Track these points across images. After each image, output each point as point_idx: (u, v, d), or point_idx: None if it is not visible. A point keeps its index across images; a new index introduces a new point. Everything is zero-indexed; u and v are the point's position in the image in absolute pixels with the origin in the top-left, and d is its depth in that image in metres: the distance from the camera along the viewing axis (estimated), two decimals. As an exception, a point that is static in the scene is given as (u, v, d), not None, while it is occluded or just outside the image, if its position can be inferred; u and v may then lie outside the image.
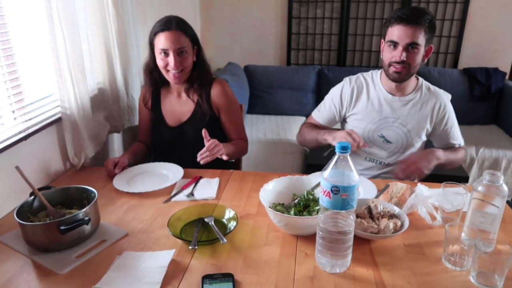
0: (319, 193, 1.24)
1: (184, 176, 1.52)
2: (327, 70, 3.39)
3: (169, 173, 1.55)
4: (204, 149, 1.45)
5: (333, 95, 1.74)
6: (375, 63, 3.61)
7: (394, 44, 1.48)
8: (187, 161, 1.62)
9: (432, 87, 1.65)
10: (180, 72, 1.59)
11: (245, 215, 1.27)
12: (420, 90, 1.62)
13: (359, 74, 1.72)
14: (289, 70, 3.47)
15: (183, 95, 1.71)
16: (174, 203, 1.35)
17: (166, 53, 1.56)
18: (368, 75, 1.69)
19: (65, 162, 1.62)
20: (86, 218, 1.08)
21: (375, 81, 1.66)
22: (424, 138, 1.66)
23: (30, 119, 1.45)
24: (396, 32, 1.47)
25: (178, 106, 1.72)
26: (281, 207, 1.19)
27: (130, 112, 1.97)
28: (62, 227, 1.04)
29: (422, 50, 1.49)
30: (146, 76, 1.73)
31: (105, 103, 1.83)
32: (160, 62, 1.59)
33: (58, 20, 1.41)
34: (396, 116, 1.62)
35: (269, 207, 1.18)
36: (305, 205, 1.20)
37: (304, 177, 1.31)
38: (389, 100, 1.62)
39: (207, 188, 1.44)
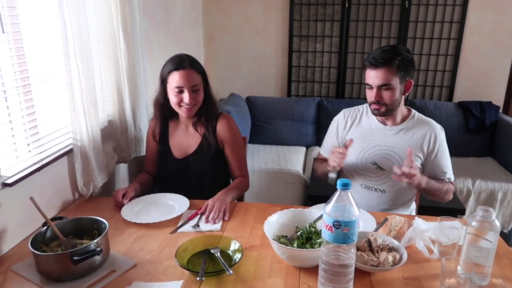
0: (321, 226, 1.30)
1: (190, 207, 1.57)
2: (327, 102, 3.50)
3: (175, 203, 1.61)
4: (207, 212, 1.50)
5: (331, 127, 1.88)
6: (373, 95, 3.72)
7: (370, 86, 1.62)
8: (192, 192, 1.68)
9: (425, 118, 1.74)
10: (193, 107, 1.68)
11: (250, 246, 1.31)
12: (412, 119, 1.71)
13: (355, 107, 1.84)
14: (289, 101, 3.57)
15: (191, 128, 1.78)
16: (180, 234, 1.40)
17: (181, 91, 1.65)
18: (362, 106, 1.81)
19: (74, 192, 1.67)
20: (98, 249, 1.13)
21: (368, 112, 1.77)
22: (418, 165, 1.71)
23: (43, 151, 1.51)
24: (369, 75, 1.61)
25: (186, 139, 1.80)
26: (284, 239, 1.24)
27: (137, 143, 2.04)
28: (75, 258, 1.08)
29: (397, 88, 1.60)
30: (156, 110, 1.81)
31: (114, 134, 1.90)
32: (173, 99, 1.67)
33: (74, 56, 1.50)
34: (388, 144, 1.70)
35: (273, 239, 1.23)
36: (307, 237, 1.25)
37: (306, 210, 1.37)
38: (381, 128, 1.72)
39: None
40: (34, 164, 1.45)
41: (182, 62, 1.65)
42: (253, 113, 3.54)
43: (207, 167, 1.77)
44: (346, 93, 3.76)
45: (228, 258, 1.23)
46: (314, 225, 1.29)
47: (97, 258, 1.15)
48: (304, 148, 3.50)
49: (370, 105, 1.65)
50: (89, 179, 1.66)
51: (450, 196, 1.72)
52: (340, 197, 0.99)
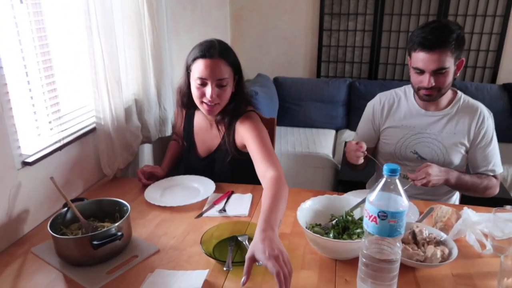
0: (358, 214, 1.19)
1: (216, 191, 1.48)
2: (358, 83, 3.32)
3: (200, 186, 1.52)
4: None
5: (366, 113, 1.71)
6: (407, 77, 3.48)
7: (420, 71, 1.42)
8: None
9: (473, 101, 1.55)
10: (216, 105, 1.45)
11: (280, 234, 1.21)
12: (458, 103, 1.53)
13: (392, 90, 1.67)
14: (319, 82, 3.42)
15: (214, 125, 1.61)
16: (205, 218, 1.32)
17: (204, 83, 1.42)
18: (401, 90, 1.65)
19: (97, 172, 1.61)
20: (119, 234, 1.06)
21: (408, 96, 1.60)
22: (463, 153, 1.55)
23: (65, 129, 1.45)
24: (420, 58, 1.40)
25: (209, 135, 1.65)
26: (318, 228, 1.14)
27: (162, 123, 1.96)
28: (95, 242, 1.02)
29: (451, 70, 1.41)
30: (179, 99, 1.64)
31: (138, 114, 1.83)
32: (195, 92, 1.45)
33: (97, 32, 1.42)
34: (430, 131, 1.54)
35: (306, 227, 1.12)
36: (344, 227, 1.14)
37: (343, 196, 1.26)
38: (422, 115, 1.55)
39: (240, 204, 1.40)
40: (56, 143, 1.39)
41: (210, 49, 1.40)
42: (281, 94, 3.41)
43: (227, 169, 1.62)
44: (379, 74, 3.56)
45: (257, 246, 1.14)
46: (351, 214, 1.18)
47: (118, 242, 1.08)
48: (333, 131, 3.36)
49: (417, 90, 1.48)
50: (113, 159, 1.60)
51: (494, 191, 1.53)
52: (387, 184, 0.87)
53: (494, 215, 1.13)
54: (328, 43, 3.56)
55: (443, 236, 1.12)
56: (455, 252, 1.05)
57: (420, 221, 1.22)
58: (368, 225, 0.89)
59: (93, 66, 1.45)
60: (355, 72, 3.61)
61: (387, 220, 0.86)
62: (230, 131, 1.55)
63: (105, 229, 1.07)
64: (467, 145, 1.53)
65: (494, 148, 1.53)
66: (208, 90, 1.42)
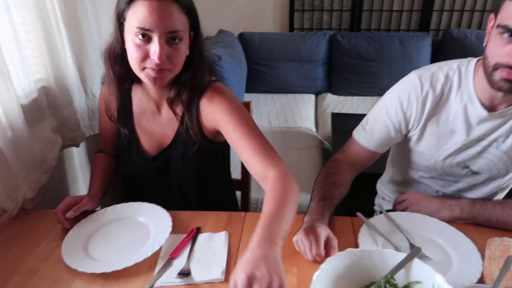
0: (403, 279, 0.75)
1: (173, 229, 0.99)
2: (341, 36, 2.80)
3: (150, 222, 1.02)
4: None
5: (391, 102, 1.08)
6: (396, 26, 3.01)
7: (510, 32, 0.85)
8: (172, 201, 1.10)
9: None
10: (165, 72, 0.97)
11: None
12: None
13: (437, 69, 1.04)
14: (293, 38, 2.87)
15: (164, 106, 1.11)
16: (159, 290, 0.83)
17: (145, 36, 0.93)
18: (454, 70, 1.02)
19: (-9, 208, 1.07)
20: None
21: (463, 85, 1.01)
22: None
23: None
24: None
25: (159, 123, 1.14)
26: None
27: (92, 115, 1.40)
28: None
29: None
30: (108, 69, 1.08)
31: (52, 108, 1.26)
32: (133, 51, 0.95)
33: None
34: (492, 138, 1.03)
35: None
36: (386, 311, 0.70)
37: (375, 250, 0.80)
38: (485, 118, 1.00)
39: (211, 256, 0.92)
40: None
41: None
42: (249, 54, 2.85)
43: (191, 168, 1.14)
44: (363, 23, 3.04)
45: None
46: (394, 282, 0.74)
47: None
48: (313, 96, 2.89)
49: (494, 70, 0.89)
50: (13, 187, 1.06)
51: None
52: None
53: None
54: (301, -12, 2.97)
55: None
56: None
57: (497, 283, 0.79)
58: None
59: None
60: (335, 23, 3.07)
61: None
62: (191, 112, 1.06)
63: None
64: None
65: None
66: (154, 47, 0.93)
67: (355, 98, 2.81)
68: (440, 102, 1.04)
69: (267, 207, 0.83)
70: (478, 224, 1.00)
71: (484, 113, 1.00)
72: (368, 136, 1.11)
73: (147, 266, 0.89)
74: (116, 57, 1.04)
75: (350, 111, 2.64)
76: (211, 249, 0.94)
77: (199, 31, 1.04)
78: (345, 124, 2.30)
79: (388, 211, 1.05)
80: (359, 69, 2.78)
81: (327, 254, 0.86)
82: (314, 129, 2.44)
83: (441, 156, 1.08)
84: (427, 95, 1.03)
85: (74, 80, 1.30)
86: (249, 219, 1.05)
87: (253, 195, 1.75)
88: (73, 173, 1.43)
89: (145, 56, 0.95)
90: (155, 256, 0.92)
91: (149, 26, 0.91)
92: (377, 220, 1.00)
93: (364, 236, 0.94)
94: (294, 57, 2.83)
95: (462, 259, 0.88)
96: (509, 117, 1.00)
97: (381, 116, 1.10)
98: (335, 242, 0.89)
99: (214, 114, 1.04)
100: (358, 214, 1.01)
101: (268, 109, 2.64)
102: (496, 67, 0.89)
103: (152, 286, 0.83)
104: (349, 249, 0.78)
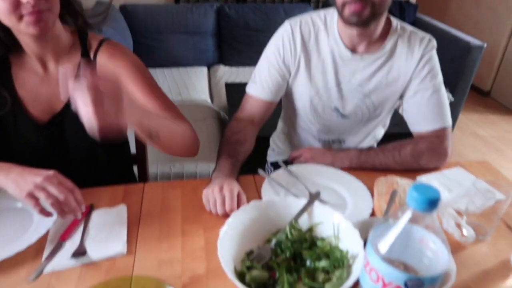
0: (307, 222, 0.78)
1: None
2: (228, 8, 2.78)
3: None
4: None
5: (270, 50, 1.16)
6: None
7: None
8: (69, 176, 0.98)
9: (412, 30, 1.11)
10: (44, 13, 0.84)
11: (189, 281, 0.73)
12: (394, 40, 1.09)
13: (306, 15, 1.14)
14: (180, 10, 2.76)
15: (51, 61, 0.97)
16: (51, 277, 0.74)
17: None
18: (319, 17, 1.13)
19: None
20: None
21: (329, 28, 1.11)
22: (393, 105, 1.21)
23: None
24: None
25: (47, 85, 0.99)
26: (258, 271, 0.68)
27: None
28: None
29: None
30: None
31: None
32: (1, 4, 0.81)
33: None
34: (357, 81, 1.12)
35: (235, 270, 0.67)
36: (293, 254, 0.72)
37: (278, 199, 0.81)
38: (348, 59, 1.10)
39: (109, 231, 0.84)
40: None
41: None
42: (134, 28, 2.67)
43: (87, 141, 1.03)
44: (249, -6, 3.06)
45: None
46: (298, 227, 0.76)
47: None
48: (205, 69, 2.84)
49: (342, 7, 0.98)
50: None
51: (434, 157, 1.08)
52: (413, 224, 0.45)
53: (476, 183, 0.84)
54: (183, -44, 2.86)
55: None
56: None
57: (386, 214, 0.87)
58: (380, 297, 0.47)
59: None
60: (221, -6, 3.04)
61: (423, 290, 0.45)
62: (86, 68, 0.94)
63: None
64: (406, 94, 1.13)
65: (440, 94, 1.10)
66: None
67: (247, 68, 2.84)
68: (309, 45, 1.13)
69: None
70: (366, 169, 1.09)
71: (347, 53, 1.10)
72: (259, 87, 1.15)
73: (33, 253, 0.78)
74: None
75: (244, 81, 2.65)
76: (107, 224, 0.86)
77: None
78: (239, 93, 2.28)
79: (284, 162, 1.10)
80: (248, 40, 2.80)
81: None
82: (209, 101, 2.41)
83: (315, 98, 1.17)
84: (296, 38, 1.12)
85: None
86: (149, 189, 0.99)
87: (152, 169, 1.68)
88: None
89: (17, 4, 0.81)
90: (42, 241, 0.81)
91: None
92: (278, 174, 1.03)
93: (267, 190, 0.95)
94: (182, 29, 2.73)
95: (356, 199, 0.95)
96: (370, 63, 1.11)
97: (265, 66, 1.16)
98: (244, 198, 0.89)
99: (115, 71, 0.97)
100: (260, 171, 1.03)
101: (160, 83, 2.50)
102: (344, 3, 0.97)
103: (41, 272, 0.74)
104: (254, 201, 0.79)
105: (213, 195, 0.88)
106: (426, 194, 0.44)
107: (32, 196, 0.76)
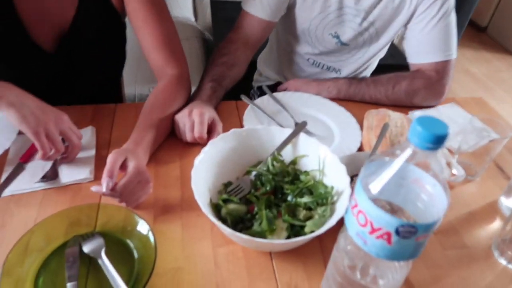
0: (290, 153, 0.73)
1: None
2: None
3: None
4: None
5: None
6: None
7: None
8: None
9: None
10: None
11: (160, 212, 0.69)
12: None
13: None
14: None
15: None
16: (9, 201, 0.68)
17: None
18: None
19: None
20: None
21: None
22: (396, 33, 1.10)
23: None
24: None
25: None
26: (235, 205, 0.64)
27: None
28: None
29: None
30: None
31: None
32: None
33: None
34: (360, 7, 1.02)
35: (210, 202, 0.63)
36: (274, 187, 0.67)
37: (261, 128, 0.74)
38: None
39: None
40: None
41: None
42: None
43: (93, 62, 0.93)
44: None
45: (126, 257, 0.60)
46: (281, 158, 0.70)
47: None
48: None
49: None
50: None
51: (430, 95, 1.01)
52: (410, 166, 0.40)
53: (472, 120, 0.79)
54: None
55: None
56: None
57: (375, 150, 0.81)
58: (368, 242, 0.43)
59: None
60: None
61: (415, 237, 0.41)
62: None
63: None
64: (412, 21, 1.02)
65: (449, 25, 0.99)
66: None
67: (235, -15, 2.61)
68: None
69: (148, 115, 0.79)
70: (355, 101, 1.02)
71: None
72: (257, 4, 1.01)
73: (-8, 172, 0.72)
74: None
75: (231, -1, 2.45)
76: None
77: None
78: (225, 11, 2.14)
79: (269, 87, 1.02)
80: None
81: (210, 138, 0.79)
82: (193, 19, 2.22)
83: (315, 20, 1.05)
84: None
85: None
86: (121, 111, 0.91)
87: (129, 90, 1.58)
88: None
89: None
90: (2, 161, 0.74)
91: None
92: (262, 101, 0.96)
93: (249, 117, 0.89)
94: None
95: (343, 132, 0.89)
96: None
97: None
98: (220, 126, 0.82)
99: None
100: (243, 96, 0.95)
101: (140, -4, 2.30)
102: None
103: (1, 193, 0.68)
104: (234, 129, 0.72)
105: (182, 120, 0.81)
106: (432, 130, 0.38)
107: (39, 138, 0.66)
